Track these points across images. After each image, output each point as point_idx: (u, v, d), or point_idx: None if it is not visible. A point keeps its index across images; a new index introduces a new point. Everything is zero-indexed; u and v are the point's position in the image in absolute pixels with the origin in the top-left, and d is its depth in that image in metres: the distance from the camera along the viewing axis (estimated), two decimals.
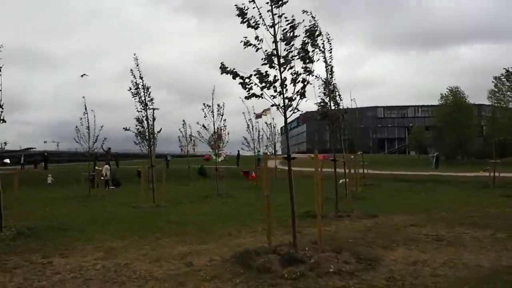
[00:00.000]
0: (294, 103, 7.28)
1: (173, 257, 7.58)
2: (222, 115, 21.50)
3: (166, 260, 7.33)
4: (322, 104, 12.51)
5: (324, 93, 12.57)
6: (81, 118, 22.82)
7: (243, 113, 27.98)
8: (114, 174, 30.97)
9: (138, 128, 17.24)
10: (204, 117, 21.55)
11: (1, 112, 10.31)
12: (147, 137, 17.32)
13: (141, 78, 16.70)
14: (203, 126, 22.31)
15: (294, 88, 7.29)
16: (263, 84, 7.23)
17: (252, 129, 28.25)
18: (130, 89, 16.73)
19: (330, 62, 12.47)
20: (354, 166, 16.87)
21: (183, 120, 32.44)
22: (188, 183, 30.69)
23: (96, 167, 29.01)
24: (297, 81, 7.28)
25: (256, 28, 7.14)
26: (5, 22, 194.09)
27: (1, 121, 10.33)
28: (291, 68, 7.24)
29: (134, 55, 16.70)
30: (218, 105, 21.47)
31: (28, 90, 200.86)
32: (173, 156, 50.43)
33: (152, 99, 17.12)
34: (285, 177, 31.87)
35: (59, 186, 30.08)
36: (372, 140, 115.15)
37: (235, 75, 7.28)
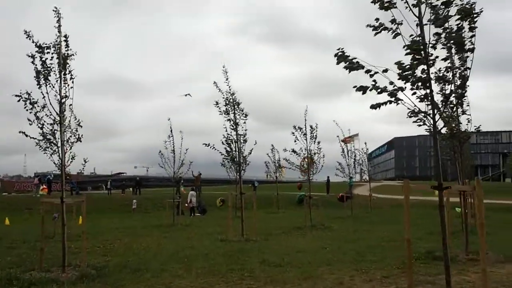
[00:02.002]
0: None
1: None
2: (315, 138, 19.49)
3: None
4: (449, 119, 9.90)
5: (452, 107, 9.94)
6: (165, 141, 20.99)
7: (337, 136, 25.68)
8: (200, 201, 29.71)
9: (226, 148, 15.02)
10: (295, 141, 19.66)
11: (76, 129, 9.27)
12: (236, 160, 15.12)
13: (232, 94, 14.74)
14: (293, 150, 20.38)
15: (450, 88, 5.18)
16: (405, 83, 5.14)
17: (347, 154, 25.78)
18: (217, 103, 14.79)
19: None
20: (472, 195, 14.31)
21: (272, 145, 30.77)
22: (277, 211, 28.94)
23: (182, 189, 27.84)
24: (451, 79, 5.20)
25: (389, 8, 5.16)
26: (103, 55, 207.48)
27: (79, 141, 9.29)
28: (444, 60, 5.14)
29: (224, 67, 14.64)
30: (311, 127, 19.49)
31: (122, 118, 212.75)
32: (259, 182, 48.84)
33: (246, 115, 14.98)
34: (379, 206, 29.12)
35: (143, 213, 29.29)
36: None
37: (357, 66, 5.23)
